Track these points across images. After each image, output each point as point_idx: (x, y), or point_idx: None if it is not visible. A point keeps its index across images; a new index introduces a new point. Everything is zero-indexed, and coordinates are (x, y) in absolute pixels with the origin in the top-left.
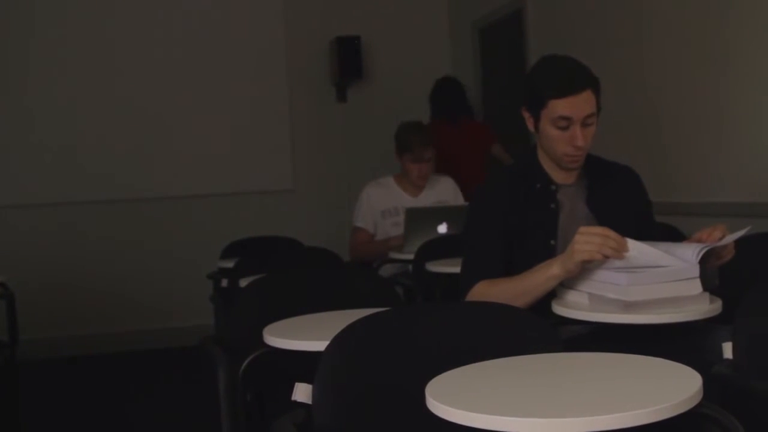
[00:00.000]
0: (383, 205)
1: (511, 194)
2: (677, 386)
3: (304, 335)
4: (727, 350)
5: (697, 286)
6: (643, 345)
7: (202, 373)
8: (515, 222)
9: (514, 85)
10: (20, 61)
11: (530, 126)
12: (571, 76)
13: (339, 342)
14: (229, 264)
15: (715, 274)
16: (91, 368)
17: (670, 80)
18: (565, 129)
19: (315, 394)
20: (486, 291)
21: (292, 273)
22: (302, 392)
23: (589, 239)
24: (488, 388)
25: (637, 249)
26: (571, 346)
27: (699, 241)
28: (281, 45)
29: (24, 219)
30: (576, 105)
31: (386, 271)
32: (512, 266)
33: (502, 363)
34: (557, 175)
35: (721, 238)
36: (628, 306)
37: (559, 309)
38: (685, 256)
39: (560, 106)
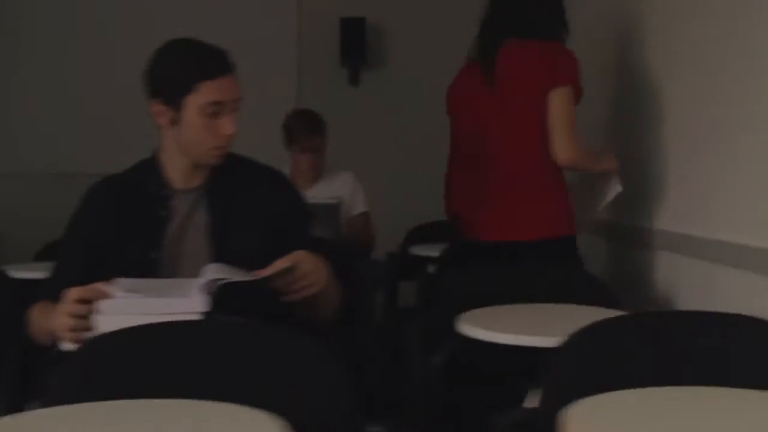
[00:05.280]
0: None
1: (115, 201)
2: None
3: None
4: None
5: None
6: None
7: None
8: (112, 232)
9: None
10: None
11: (162, 121)
12: (217, 57)
13: None
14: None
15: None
16: None
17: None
18: (215, 116)
19: None
20: (33, 315)
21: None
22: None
23: (65, 319)
24: None
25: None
26: None
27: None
28: (292, 26)
29: None
30: (228, 87)
31: None
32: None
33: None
34: (177, 178)
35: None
36: None
37: None
38: (189, 291)
39: (212, 89)
